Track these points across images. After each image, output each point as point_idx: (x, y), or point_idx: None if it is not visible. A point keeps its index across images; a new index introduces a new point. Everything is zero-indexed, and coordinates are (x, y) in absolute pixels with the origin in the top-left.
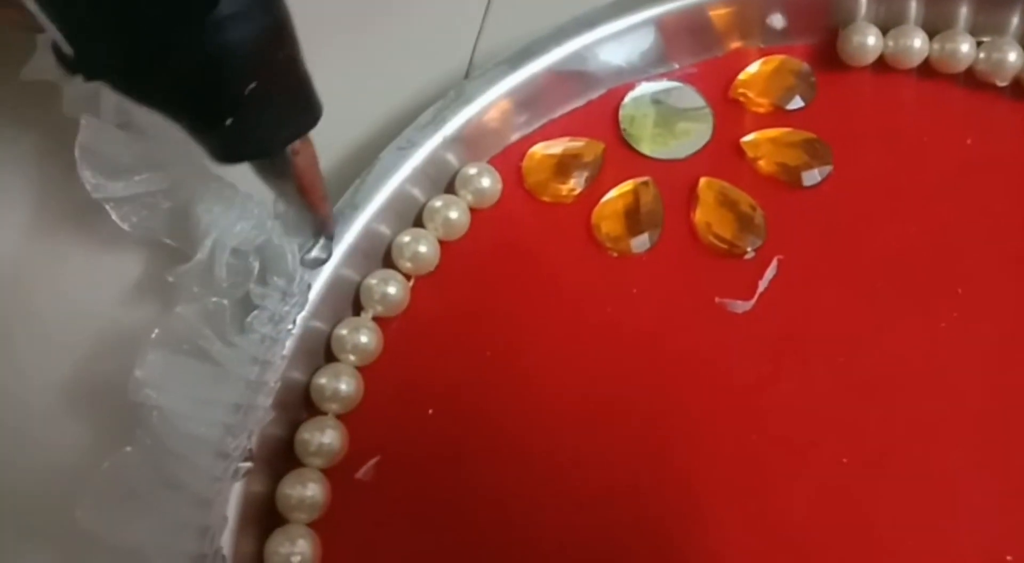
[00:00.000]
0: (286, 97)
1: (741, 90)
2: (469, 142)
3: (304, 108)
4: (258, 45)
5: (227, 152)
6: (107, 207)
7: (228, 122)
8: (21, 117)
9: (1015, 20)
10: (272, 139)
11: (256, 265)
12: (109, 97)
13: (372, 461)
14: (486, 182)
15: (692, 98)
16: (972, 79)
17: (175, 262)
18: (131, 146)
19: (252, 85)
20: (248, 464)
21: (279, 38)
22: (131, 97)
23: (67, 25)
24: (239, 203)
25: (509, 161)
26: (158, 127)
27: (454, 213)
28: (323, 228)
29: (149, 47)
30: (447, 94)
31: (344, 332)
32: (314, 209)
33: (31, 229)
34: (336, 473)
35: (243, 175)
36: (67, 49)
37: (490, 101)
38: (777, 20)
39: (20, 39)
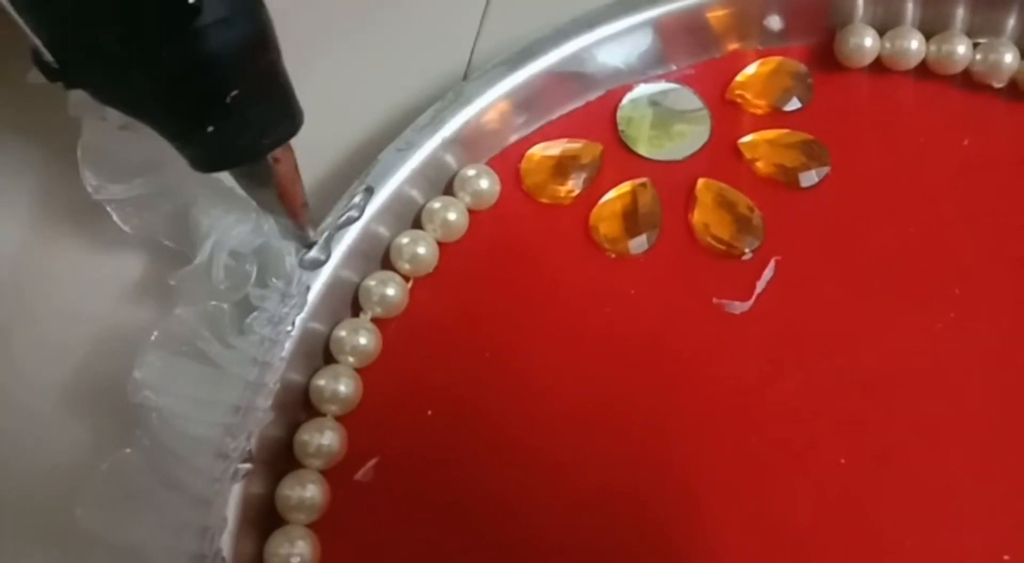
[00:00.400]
0: (268, 104)
1: (739, 91)
2: (467, 143)
3: (286, 115)
4: (242, 52)
5: (208, 160)
6: (108, 208)
7: (209, 129)
8: (24, 120)
9: (1011, 22)
10: (253, 146)
11: (254, 269)
12: None
13: (371, 462)
14: (484, 183)
15: (690, 99)
16: (969, 80)
17: (174, 264)
18: (133, 149)
19: (235, 92)
20: (247, 465)
21: (262, 45)
22: (111, 104)
23: (48, 32)
24: (238, 206)
25: (507, 162)
26: None
27: (453, 214)
28: (302, 236)
29: (131, 55)
30: (445, 96)
31: (343, 334)
32: (293, 216)
33: (31, 231)
34: (335, 474)
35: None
36: (48, 57)
37: (488, 102)
38: (774, 22)
39: (25, 43)
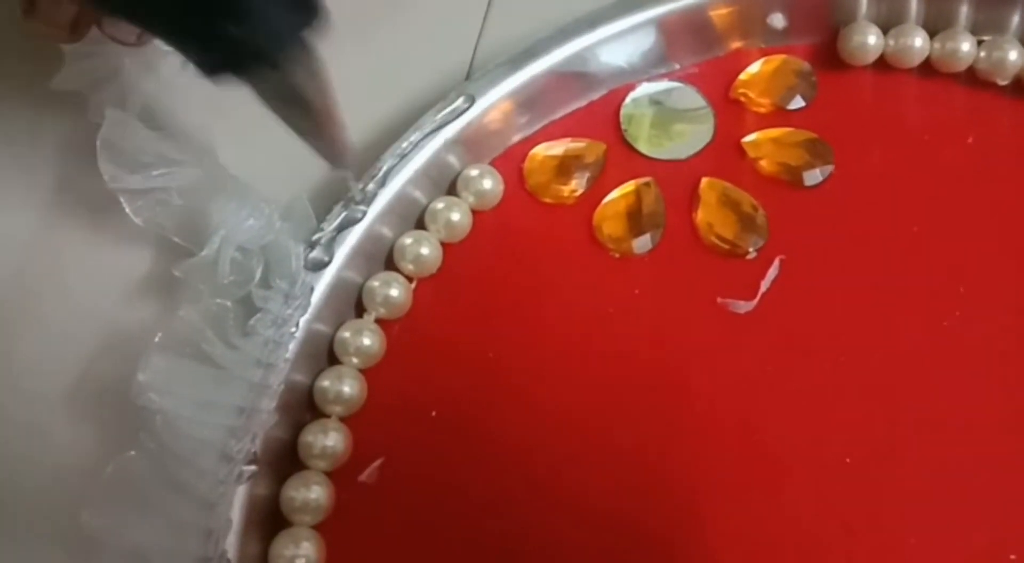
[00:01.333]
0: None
1: (742, 90)
2: (470, 144)
3: (305, 9)
4: None
5: (225, 63)
6: (122, 199)
7: (227, 30)
8: (42, 122)
9: (1015, 19)
10: (272, 46)
11: (260, 266)
12: (136, 100)
13: (375, 463)
14: (488, 183)
15: (693, 98)
16: (973, 78)
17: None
18: (152, 143)
19: None
20: (252, 467)
21: None
22: (121, 14)
23: None
24: (252, 201)
25: (511, 162)
26: (180, 127)
27: (456, 215)
28: (337, 157)
29: None
30: (448, 96)
31: (347, 335)
32: (324, 132)
33: (38, 231)
34: (340, 476)
35: (259, 176)
36: None
37: (491, 102)
38: (778, 20)
39: (50, 51)
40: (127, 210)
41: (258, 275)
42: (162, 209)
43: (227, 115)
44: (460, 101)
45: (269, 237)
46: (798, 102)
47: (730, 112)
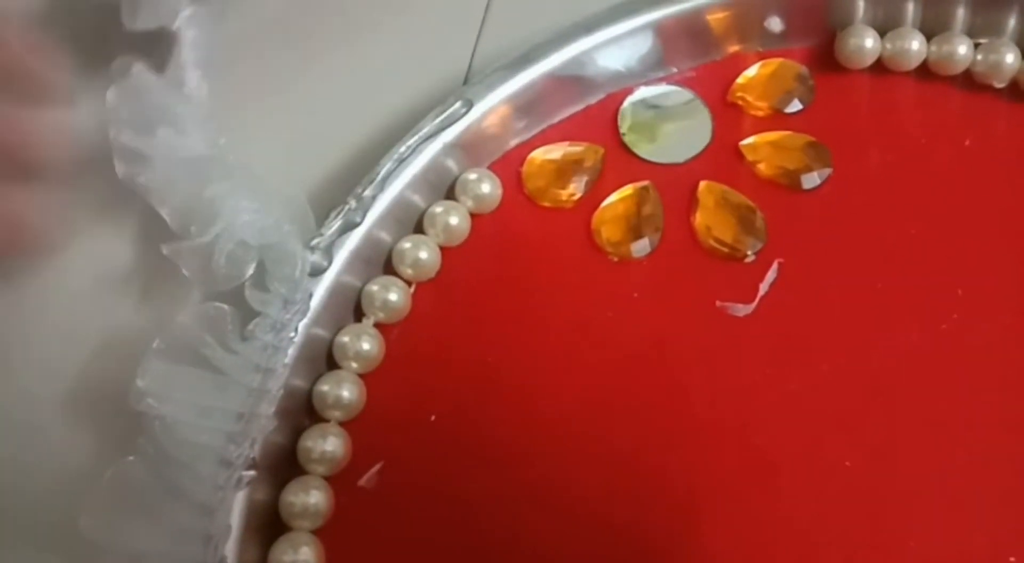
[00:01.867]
0: None
1: (740, 93)
2: (469, 148)
3: None
4: None
5: None
6: (115, 155)
7: None
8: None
9: (1012, 22)
10: None
11: (253, 262)
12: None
13: (375, 468)
14: (486, 188)
15: (691, 102)
16: (970, 81)
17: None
18: (166, 99)
19: None
20: (251, 472)
21: None
22: None
23: None
24: (262, 198)
25: (509, 166)
26: (202, 91)
27: (454, 219)
28: None
29: None
30: (446, 100)
31: (346, 339)
32: None
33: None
34: (339, 480)
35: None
36: None
37: (489, 107)
38: (775, 23)
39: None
40: (116, 165)
41: (249, 271)
42: (152, 174)
43: (235, 105)
44: (458, 106)
45: (274, 238)
46: (796, 105)
47: (728, 115)
